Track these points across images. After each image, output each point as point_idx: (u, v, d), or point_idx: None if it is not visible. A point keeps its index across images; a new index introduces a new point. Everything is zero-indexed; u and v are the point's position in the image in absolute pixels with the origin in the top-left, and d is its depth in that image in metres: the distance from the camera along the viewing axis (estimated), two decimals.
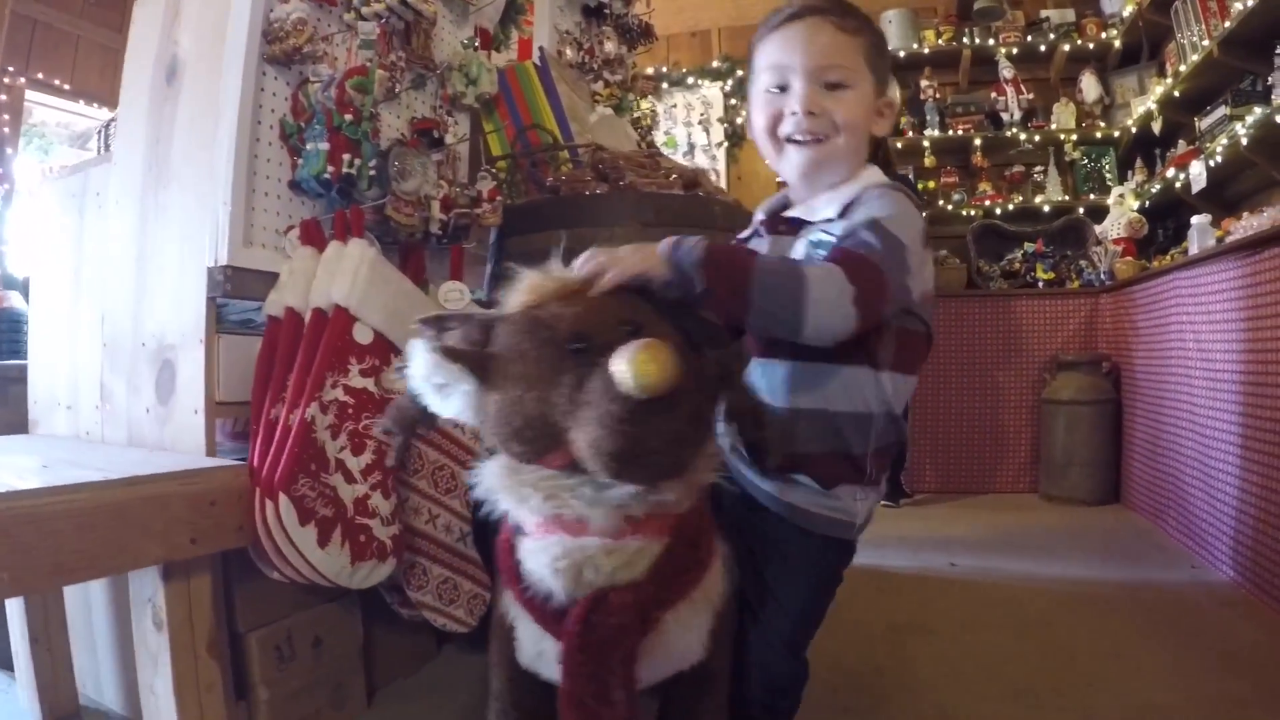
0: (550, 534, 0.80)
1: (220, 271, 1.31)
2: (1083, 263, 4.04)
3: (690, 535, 0.82)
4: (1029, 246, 4.19)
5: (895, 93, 1.16)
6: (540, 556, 0.80)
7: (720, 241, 0.91)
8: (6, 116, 3.67)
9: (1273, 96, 2.82)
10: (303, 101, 1.43)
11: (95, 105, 3.85)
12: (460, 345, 0.82)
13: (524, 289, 0.83)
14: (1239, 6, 2.91)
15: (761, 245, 1.09)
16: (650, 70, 4.66)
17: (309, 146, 1.38)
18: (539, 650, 0.85)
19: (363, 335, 1.30)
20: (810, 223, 1.03)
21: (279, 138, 1.41)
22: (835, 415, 0.98)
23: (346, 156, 1.36)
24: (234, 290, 1.33)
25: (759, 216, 1.15)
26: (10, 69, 3.66)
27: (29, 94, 3.75)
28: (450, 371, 0.78)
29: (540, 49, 1.97)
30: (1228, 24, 3.00)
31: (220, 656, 1.27)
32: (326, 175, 1.36)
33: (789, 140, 1.04)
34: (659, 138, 4.53)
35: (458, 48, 1.80)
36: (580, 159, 1.70)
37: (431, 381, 0.80)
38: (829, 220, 1.00)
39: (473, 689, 1.58)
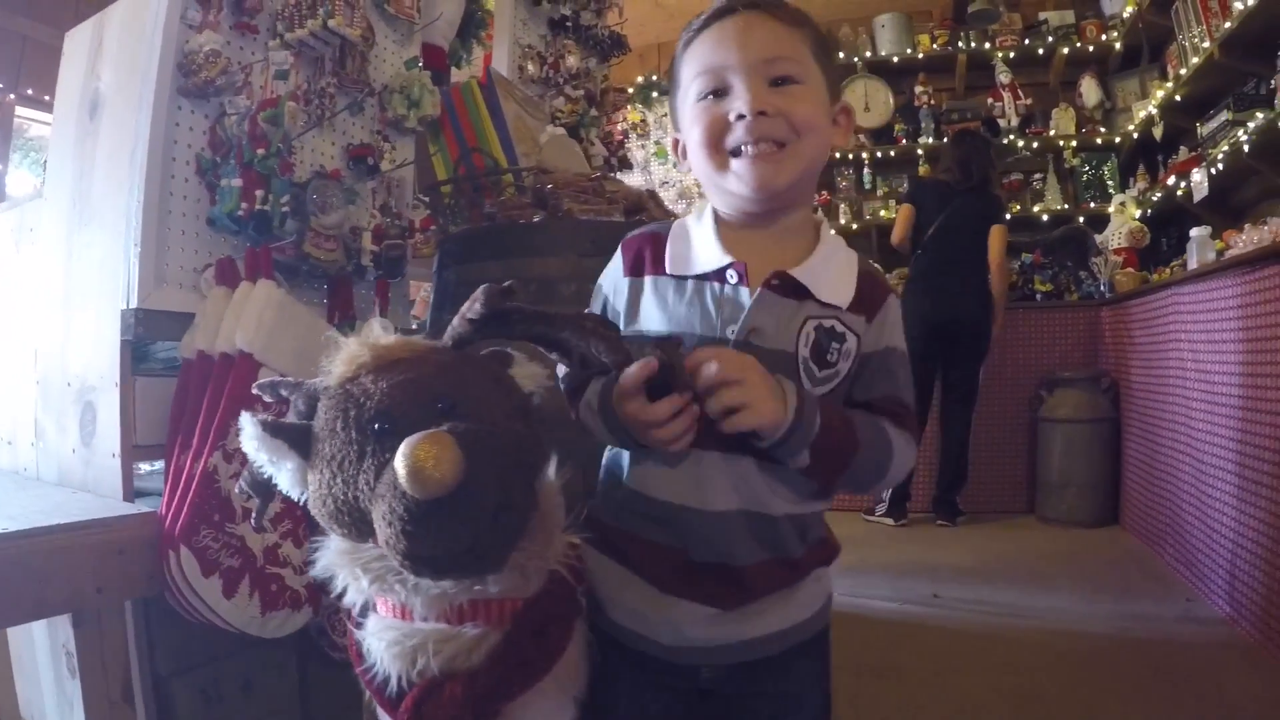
0: (388, 615, 0.76)
1: (132, 314, 1.29)
2: (1082, 274, 3.90)
3: (536, 622, 0.76)
4: (1026, 257, 4.06)
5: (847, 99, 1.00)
6: (377, 639, 0.76)
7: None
8: None
9: (1276, 100, 2.69)
10: (220, 135, 1.39)
11: None
12: (288, 418, 0.78)
13: (341, 358, 0.76)
14: (1240, 6, 2.78)
15: (740, 294, 0.83)
16: (640, 79, 4.57)
17: (223, 183, 1.34)
18: None
19: None
20: (814, 298, 0.83)
21: (196, 173, 1.38)
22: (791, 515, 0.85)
23: (259, 193, 1.33)
24: (147, 332, 1.31)
25: (725, 258, 0.84)
26: None
27: (19, 110, 3.77)
28: (274, 447, 0.74)
29: (490, 69, 1.92)
30: (1229, 24, 2.87)
31: (135, 704, 1.25)
32: (239, 212, 1.32)
33: (735, 154, 0.83)
34: (648, 148, 4.44)
35: (400, 69, 1.75)
36: (524, 184, 1.64)
37: (261, 455, 0.75)
38: (837, 309, 0.84)
39: None
